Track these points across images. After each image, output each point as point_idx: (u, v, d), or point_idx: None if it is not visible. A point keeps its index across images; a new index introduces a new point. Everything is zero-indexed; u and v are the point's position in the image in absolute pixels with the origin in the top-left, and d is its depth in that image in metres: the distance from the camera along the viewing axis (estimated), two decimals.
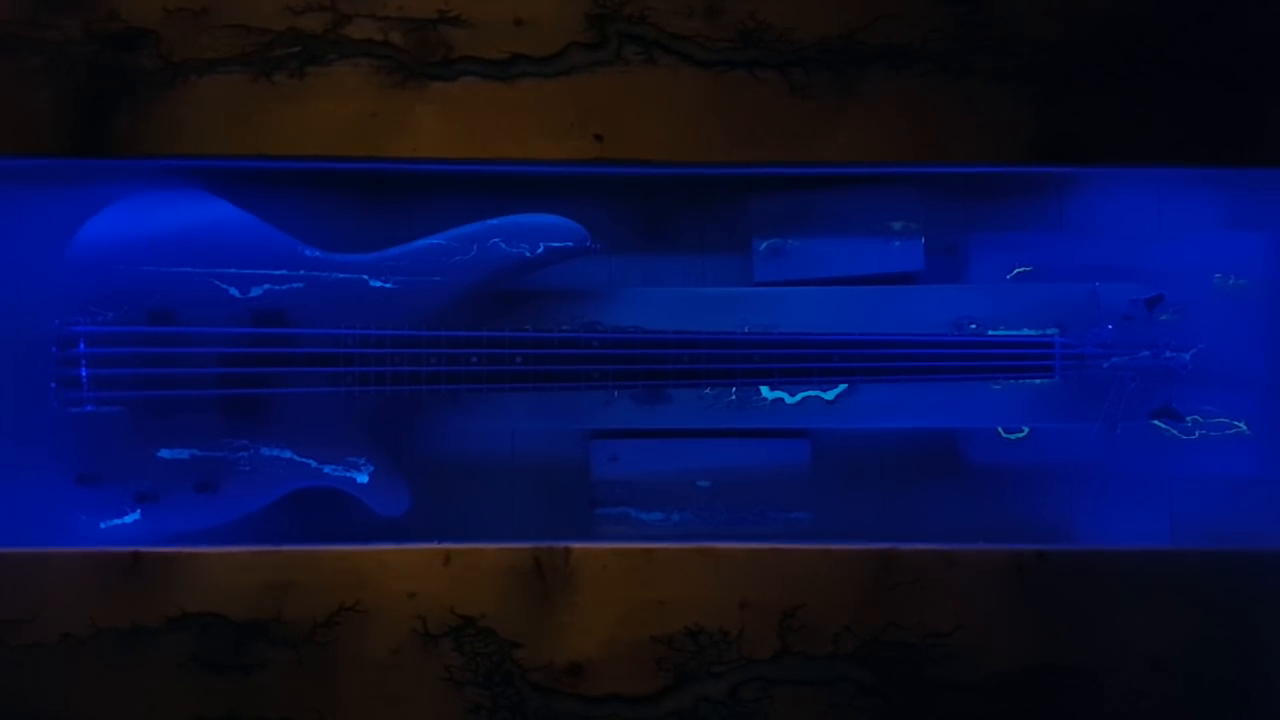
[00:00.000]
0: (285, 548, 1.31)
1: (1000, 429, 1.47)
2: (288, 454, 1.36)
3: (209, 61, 1.34)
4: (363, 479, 1.38)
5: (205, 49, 1.34)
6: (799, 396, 1.42)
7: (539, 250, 1.37)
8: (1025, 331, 1.41)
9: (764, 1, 1.36)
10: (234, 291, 1.36)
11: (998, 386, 1.42)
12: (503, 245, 1.37)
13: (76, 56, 1.33)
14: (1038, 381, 1.40)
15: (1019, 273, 1.49)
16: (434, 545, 1.31)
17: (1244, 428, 1.45)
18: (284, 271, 1.36)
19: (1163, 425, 1.42)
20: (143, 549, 1.29)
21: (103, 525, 1.35)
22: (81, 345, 1.33)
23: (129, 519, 1.35)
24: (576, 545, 1.32)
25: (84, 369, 1.33)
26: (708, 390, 1.42)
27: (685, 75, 1.36)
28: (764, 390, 1.42)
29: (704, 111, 1.36)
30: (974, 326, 1.42)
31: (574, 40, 1.36)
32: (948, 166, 1.41)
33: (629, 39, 1.36)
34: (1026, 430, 1.46)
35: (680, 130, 1.36)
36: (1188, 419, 1.42)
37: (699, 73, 1.36)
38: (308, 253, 1.37)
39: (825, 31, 1.36)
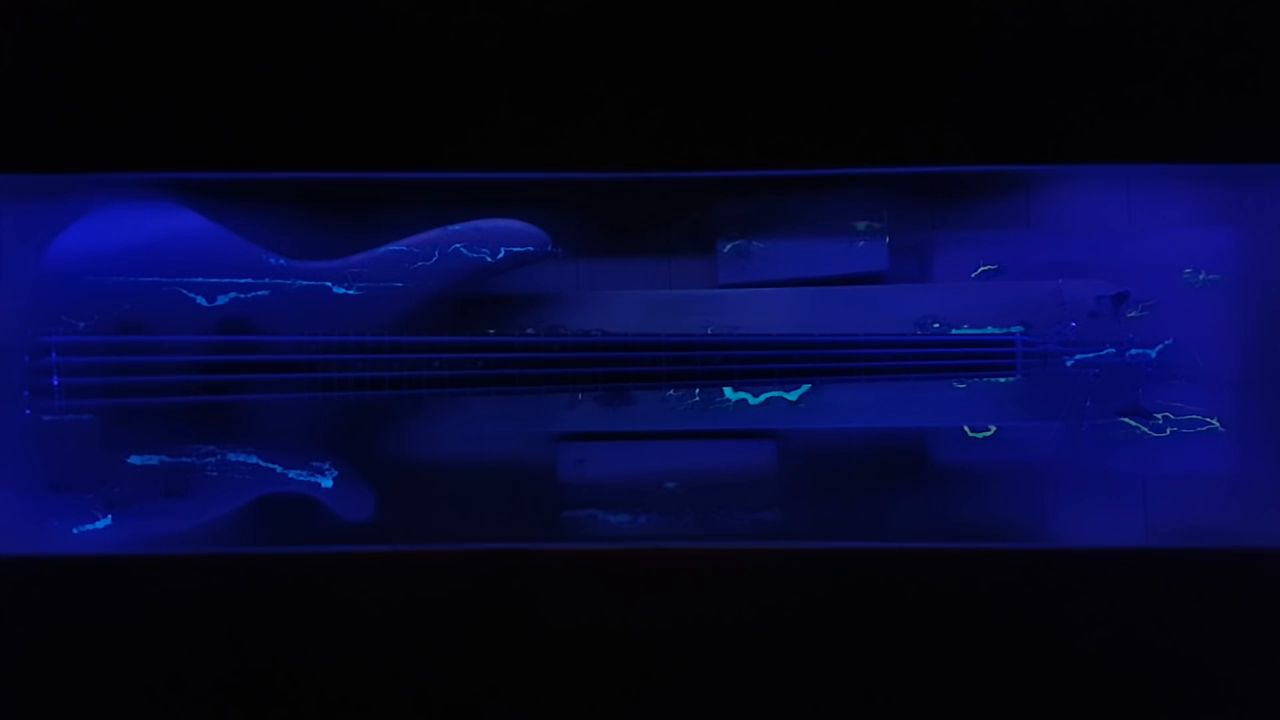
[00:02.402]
0: (253, 552, 1.33)
1: (966, 428, 1.46)
2: (254, 460, 1.38)
3: None
4: (327, 484, 1.39)
5: None
6: (762, 397, 1.42)
7: (500, 255, 1.38)
8: (988, 330, 1.41)
9: None
10: (202, 300, 1.37)
11: (962, 385, 1.41)
12: (464, 251, 1.38)
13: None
14: (1001, 380, 1.40)
15: (983, 271, 1.48)
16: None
17: (1217, 424, 1.44)
18: (250, 280, 1.38)
19: (1132, 423, 1.41)
20: (113, 554, 1.31)
21: (75, 531, 1.37)
22: (54, 355, 1.35)
23: (100, 525, 1.37)
24: (543, 548, 1.32)
25: (56, 378, 1.35)
26: (671, 392, 1.42)
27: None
28: (727, 391, 1.42)
29: (670, 117, 1.36)
30: (938, 325, 1.42)
31: None
32: (913, 167, 1.41)
33: None
34: (993, 429, 1.45)
35: (645, 136, 1.36)
36: (1158, 416, 1.41)
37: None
38: (273, 261, 1.38)
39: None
